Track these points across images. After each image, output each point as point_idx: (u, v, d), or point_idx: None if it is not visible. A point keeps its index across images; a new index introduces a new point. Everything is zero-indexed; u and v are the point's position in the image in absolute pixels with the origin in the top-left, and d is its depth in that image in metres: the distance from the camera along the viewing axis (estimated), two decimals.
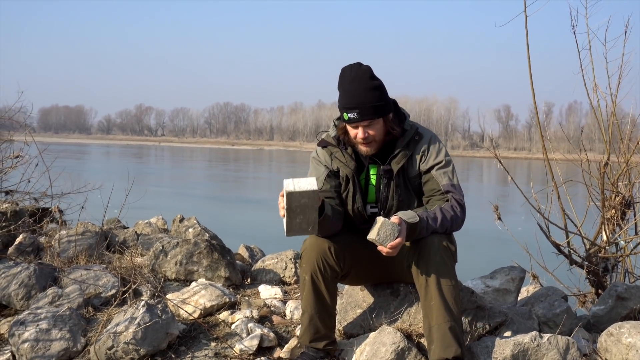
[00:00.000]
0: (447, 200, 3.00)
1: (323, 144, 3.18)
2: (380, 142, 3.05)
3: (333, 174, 3.14)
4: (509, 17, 4.40)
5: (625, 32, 3.85)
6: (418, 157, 3.07)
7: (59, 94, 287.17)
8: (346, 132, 3.08)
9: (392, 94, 3.06)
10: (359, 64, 2.97)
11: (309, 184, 2.66)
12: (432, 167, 3.05)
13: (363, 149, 3.04)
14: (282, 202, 2.69)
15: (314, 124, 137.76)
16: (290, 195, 2.65)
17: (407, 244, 2.94)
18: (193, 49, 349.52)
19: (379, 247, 2.77)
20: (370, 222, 2.90)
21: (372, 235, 2.75)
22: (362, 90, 2.91)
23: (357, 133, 2.99)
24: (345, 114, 2.96)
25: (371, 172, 3.11)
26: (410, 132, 3.08)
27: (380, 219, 2.75)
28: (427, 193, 3.08)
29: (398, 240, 2.72)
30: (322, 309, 3.02)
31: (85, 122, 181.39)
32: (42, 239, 4.80)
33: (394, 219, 2.78)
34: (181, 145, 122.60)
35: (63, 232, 4.77)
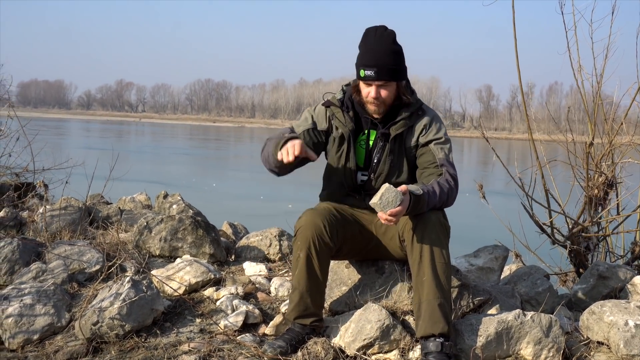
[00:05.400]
0: (441, 174, 3.03)
1: (327, 104, 3.23)
2: (388, 107, 3.10)
3: (316, 134, 3.20)
4: None
5: (613, 13, 3.85)
6: (418, 131, 3.13)
7: (39, 68, 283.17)
8: (358, 92, 3.12)
9: None
10: (384, 27, 3.03)
11: None
12: (430, 141, 3.11)
13: (371, 107, 3.08)
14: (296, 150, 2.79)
15: (295, 102, 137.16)
16: None
17: (403, 219, 2.95)
18: (174, 25, 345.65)
19: (379, 214, 2.78)
20: (359, 190, 3.03)
21: (374, 200, 2.75)
22: (383, 51, 2.97)
23: (369, 92, 3.03)
24: (362, 71, 3.00)
25: (371, 138, 3.17)
26: (414, 106, 3.14)
27: (385, 185, 2.76)
28: (422, 165, 3.12)
29: (399, 208, 2.72)
30: (314, 286, 3.03)
31: (65, 97, 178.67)
32: (25, 214, 4.75)
33: (401, 187, 2.79)
34: (162, 121, 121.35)
35: (46, 207, 4.72)
